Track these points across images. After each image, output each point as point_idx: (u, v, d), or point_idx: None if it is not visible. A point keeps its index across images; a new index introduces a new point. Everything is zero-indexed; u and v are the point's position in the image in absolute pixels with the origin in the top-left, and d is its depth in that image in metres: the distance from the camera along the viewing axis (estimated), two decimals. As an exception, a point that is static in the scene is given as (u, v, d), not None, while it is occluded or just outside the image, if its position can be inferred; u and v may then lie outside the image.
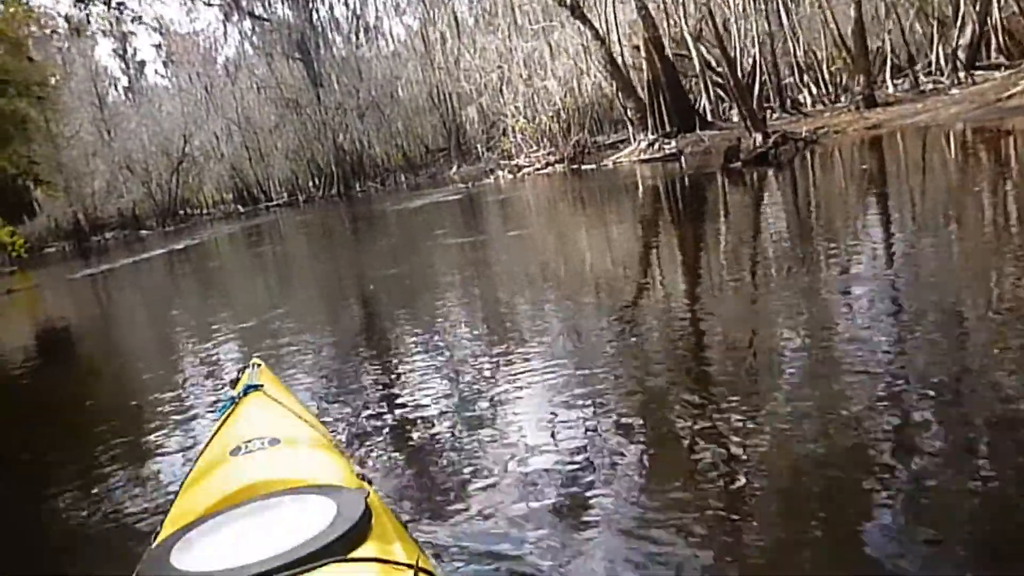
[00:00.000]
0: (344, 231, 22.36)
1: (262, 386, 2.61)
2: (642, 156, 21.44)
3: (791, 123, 19.63)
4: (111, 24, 70.11)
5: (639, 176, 18.91)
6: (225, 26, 51.54)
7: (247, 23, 51.13)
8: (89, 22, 32.47)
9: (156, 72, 65.99)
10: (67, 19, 31.46)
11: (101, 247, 47.30)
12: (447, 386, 4.59)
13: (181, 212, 57.75)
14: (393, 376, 5.13)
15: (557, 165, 25.78)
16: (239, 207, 56.90)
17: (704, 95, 24.05)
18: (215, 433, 2.40)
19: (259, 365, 2.86)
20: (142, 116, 60.18)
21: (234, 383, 2.83)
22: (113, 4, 26.79)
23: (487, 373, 4.66)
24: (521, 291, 7.21)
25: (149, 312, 12.37)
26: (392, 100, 51.02)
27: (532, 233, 13.05)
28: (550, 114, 26.54)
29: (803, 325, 4.58)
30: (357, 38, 51.33)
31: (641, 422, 3.48)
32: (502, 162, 30.06)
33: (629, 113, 23.39)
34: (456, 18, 42.73)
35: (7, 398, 6.84)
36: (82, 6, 27.34)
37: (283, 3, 50.92)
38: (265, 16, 50.57)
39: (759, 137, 15.34)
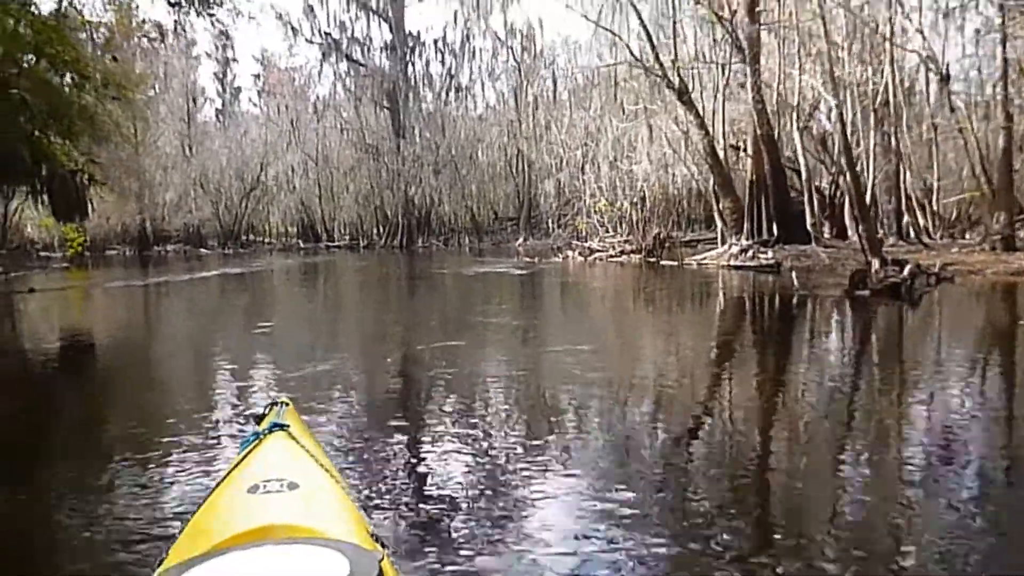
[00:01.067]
0: (399, 286, 20.46)
1: (288, 426, 2.50)
2: (732, 261, 18.79)
3: (911, 253, 16.86)
4: (216, 48, 71.82)
5: (728, 284, 16.27)
6: (322, 65, 50.81)
7: (343, 65, 50.35)
8: (183, 30, 31.50)
9: (249, 100, 65.82)
10: (159, 26, 30.23)
11: (160, 258, 46.82)
12: (475, 466, 4.18)
13: (244, 237, 57.09)
14: (421, 443, 4.77)
15: (633, 255, 23.26)
16: (300, 242, 55.93)
17: (808, 207, 21.46)
18: (234, 466, 2.26)
19: (287, 404, 2.76)
20: (227, 139, 60.17)
21: (259, 419, 2.78)
22: (204, 12, 25.58)
23: (519, 463, 4.21)
24: (572, 388, 6.24)
25: (185, 334, 11.50)
26: (470, 161, 49.45)
27: (596, 327, 10.75)
28: (633, 200, 24.12)
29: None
30: (447, 96, 50.08)
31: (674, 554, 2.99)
32: (574, 242, 27.67)
33: (723, 212, 20.83)
34: (554, 88, 41.02)
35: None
36: (175, 10, 26.10)
37: (381, 52, 50.17)
38: (362, 61, 49.72)
39: (886, 265, 12.63)
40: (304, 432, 2.68)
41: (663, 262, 21.93)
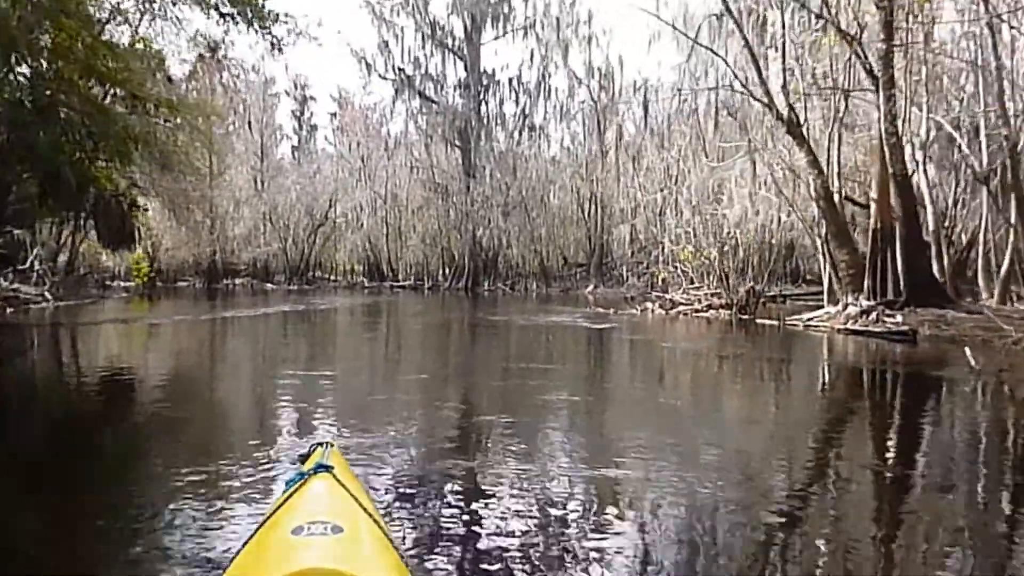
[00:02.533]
0: (463, 333, 18.14)
1: (332, 468, 2.48)
2: (850, 325, 15.28)
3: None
4: (294, 86, 71.36)
5: (853, 355, 12.83)
6: (394, 102, 48.87)
7: (416, 102, 48.31)
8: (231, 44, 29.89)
9: (325, 138, 65.01)
10: (209, 43, 28.52)
11: (227, 291, 45.78)
12: (527, 529, 3.71)
13: (311, 274, 55.93)
14: (472, 499, 4.23)
15: (722, 311, 19.87)
16: (365, 280, 54.29)
17: (937, 262, 17.87)
18: (279, 506, 2.26)
19: (331, 445, 2.78)
20: (299, 175, 59.52)
21: (303, 459, 2.77)
22: (259, 27, 23.64)
23: (580, 531, 3.69)
24: (650, 468, 4.79)
25: (242, 372, 10.80)
26: (541, 204, 46.64)
27: (700, 414, 7.63)
28: (723, 248, 20.76)
29: None
30: (519, 136, 47.51)
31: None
32: (651, 293, 24.40)
33: (838, 266, 17.28)
34: (622, 131, 38.02)
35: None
36: (223, 22, 24.17)
37: (455, 90, 48.02)
38: (434, 99, 47.65)
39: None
40: (348, 475, 2.65)
41: (759, 320, 18.52)
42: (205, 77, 58.86)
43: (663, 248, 28.98)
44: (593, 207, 45.05)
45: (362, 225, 54.31)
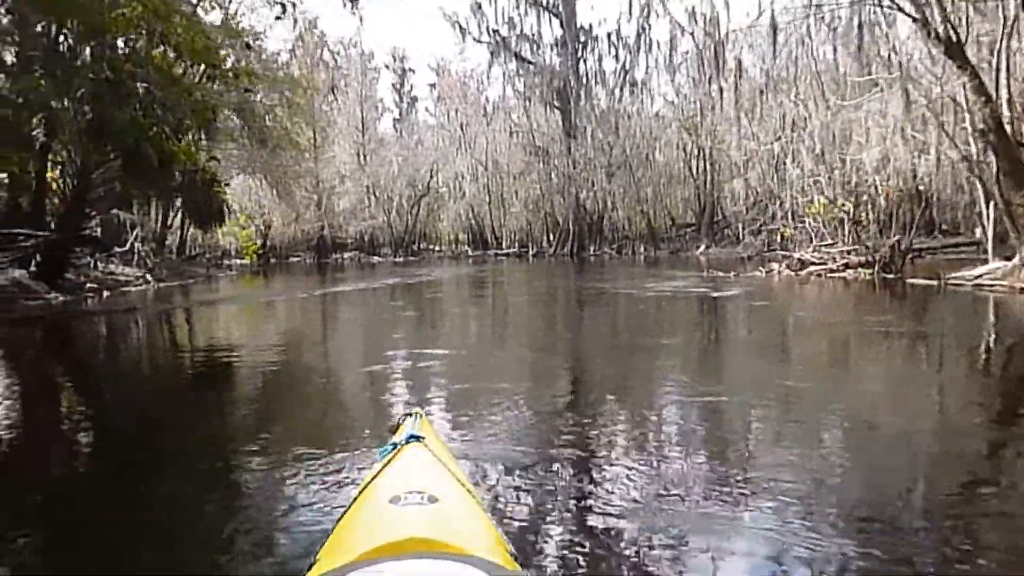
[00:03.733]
0: (568, 303, 16.12)
1: (423, 438, 2.49)
2: (1034, 284, 12.36)
3: None
4: (393, 59, 70.38)
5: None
6: (490, 66, 46.70)
7: (512, 65, 45.98)
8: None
9: (426, 109, 63.73)
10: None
11: (336, 265, 45.51)
12: (643, 512, 3.31)
13: (415, 245, 55.12)
14: (568, 481, 3.84)
15: (862, 270, 17.00)
16: (469, 249, 52.97)
17: None
18: (374, 476, 2.26)
19: (421, 415, 2.80)
20: (400, 147, 58.75)
21: (393, 429, 2.80)
22: None
23: (681, 527, 3.15)
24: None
25: (348, 346, 10.31)
26: (646, 162, 43.70)
27: (854, 403, 5.64)
28: (864, 198, 17.77)
29: None
30: (620, 92, 44.53)
31: None
32: (780, 253, 21.54)
33: (1014, 213, 14.12)
34: (740, 72, 34.64)
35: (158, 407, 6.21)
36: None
37: (551, 49, 45.42)
38: (531, 59, 45.22)
39: None
40: (439, 444, 2.66)
41: (909, 280, 15.61)
42: (306, 56, 59.05)
43: (781, 202, 25.97)
44: (701, 163, 41.87)
45: (464, 194, 52.82)
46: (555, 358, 8.46)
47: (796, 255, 19.42)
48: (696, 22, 39.53)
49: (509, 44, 44.83)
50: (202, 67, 20.70)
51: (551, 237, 48.01)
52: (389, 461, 2.34)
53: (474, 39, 45.14)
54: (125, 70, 16.81)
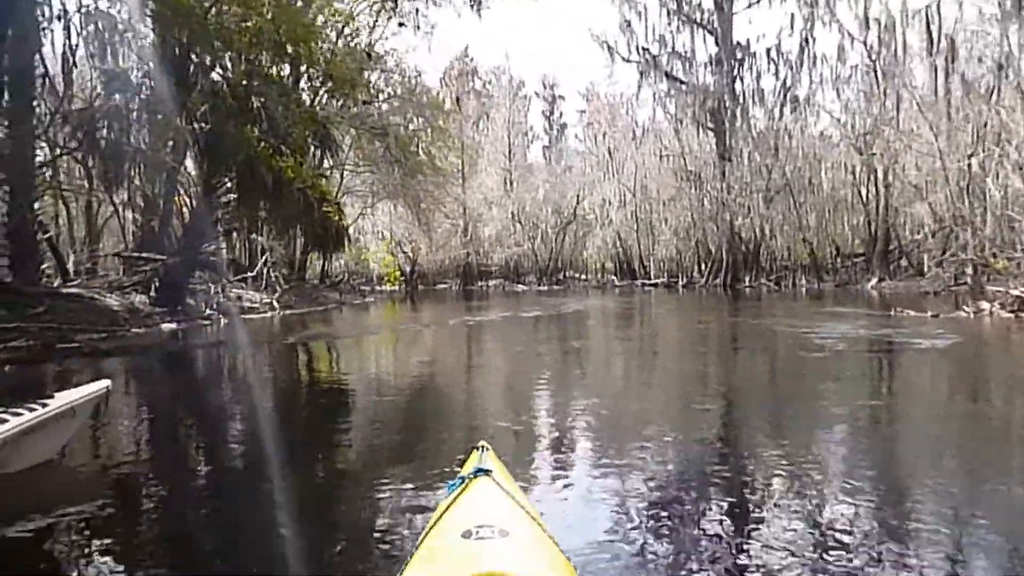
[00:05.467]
0: (726, 345, 13.56)
1: (491, 471, 2.50)
2: None
3: None
4: (543, 87, 69.55)
5: None
6: (639, 87, 44.20)
7: (663, 85, 43.34)
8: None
9: (575, 136, 62.33)
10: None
11: (481, 293, 44.78)
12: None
13: (560, 274, 53.58)
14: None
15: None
16: (615, 279, 50.76)
17: None
18: (445, 510, 2.31)
19: (487, 448, 2.77)
20: (548, 173, 57.73)
21: (462, 463, 2.83)
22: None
23: None
24: None
25: (478, 377, 9.82)
26: (809, 186, 39.75)
27: None
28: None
29: None
30: (781, 111, 40.84)
31: None
32: (983, 287, 17.84)
33: None
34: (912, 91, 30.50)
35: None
36: None
37: (705, 67, 42.46)
38: (683, 79, 42.46)
39: None
40: (506, 477, 2.62)
41: None
42: (456, 83, 59.17)
43: (976, 229, 22.03)
44: (873, 185, 37.49)
45: (610, 221, 50.56)
46: (708, 422, 6.24)
47: (1014, 291, 15.71)
48: (867, 28, 35.44)
49: (660, 63, 42.23)
50: (319, 81, 19.85)
51: (702, 267, 44.78)
52: (459, 494, 2.34)
53: (623, 59, 42.88)
54: (242, 85, 15.90)
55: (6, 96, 14.66)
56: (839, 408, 7.01)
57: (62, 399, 4.95)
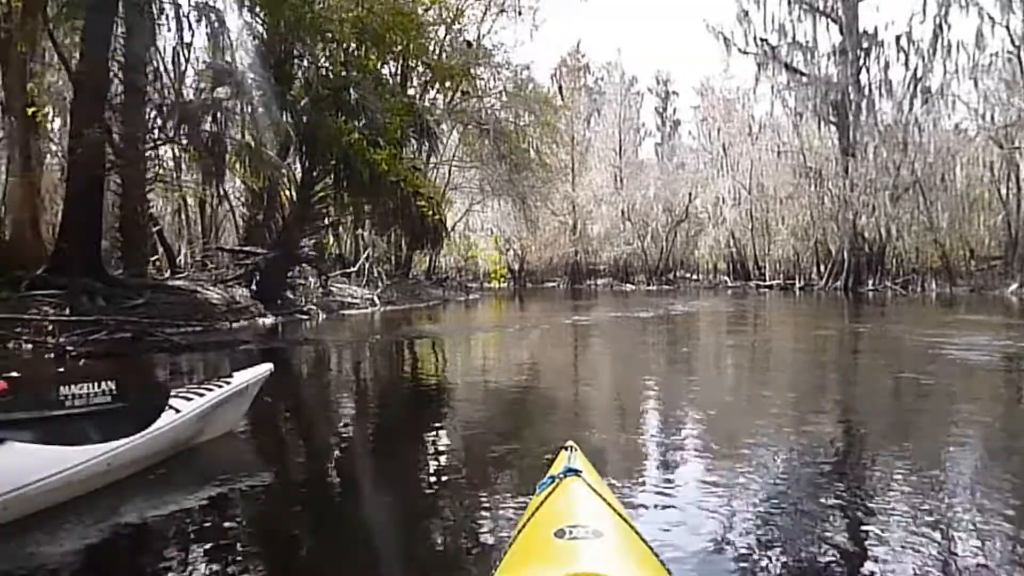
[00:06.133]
0: (845, 357, 12.30)
1: (581, 472, 2.50)
2: None
3: None
4: (656, 82, 68.15)
5: None
6: (757, 80, 42.42)
7: (782, 77, 41.44)
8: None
9: (689, 133, 60.72)
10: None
11: (589, 292, 44.40)
12: None
13: (670, 274, 52.46)
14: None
15: None
16: (727, 279, 49.24)
17: None
18: (536, 509, 2.32)
19: (575, 449, 2.77)
20: (660, 170, 56.68)
21: (549, 463, 2.79)
22: None
23: None
24: None
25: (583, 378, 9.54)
26: (940, 184, 37.16)
27: None
28: None
29: None
30: (911, 104, 38.29)
31: None
32: None
33: None
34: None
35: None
36: None
37: (828, 58, 40.32)
38: (803, 71, 40.48)
39: None
40: (596, 477, 2.61)
41: None
42: (568, 79, 58.70)
43: None
44: (1014, 183, 34.65)
45: (724, 219, 48.87)
46: (824, 443, 5.69)
47: None
48: (1011, 10, 32.70)
49: (779, 54, 40.35)
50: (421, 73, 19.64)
51: (821, 268, 42.62)
52: (549, 494, 2.34)
53: (740, 50, 41.24)
54: (340, 76, 15.85)
55: (119, 89, 15.11)
56: (976, 433, 6.14)
57: (239, 378, 5.56)
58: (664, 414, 7.25)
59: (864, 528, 3.80)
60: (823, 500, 4.27)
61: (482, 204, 42.18)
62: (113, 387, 4.38)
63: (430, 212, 17.61)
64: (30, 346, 11.01)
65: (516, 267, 53.95)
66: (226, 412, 5.40)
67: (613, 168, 55.54)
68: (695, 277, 54.51)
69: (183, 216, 24.64)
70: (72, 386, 4.29)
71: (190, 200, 23.05)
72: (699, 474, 4.84)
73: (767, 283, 44.52)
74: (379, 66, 16.58)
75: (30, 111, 15.49)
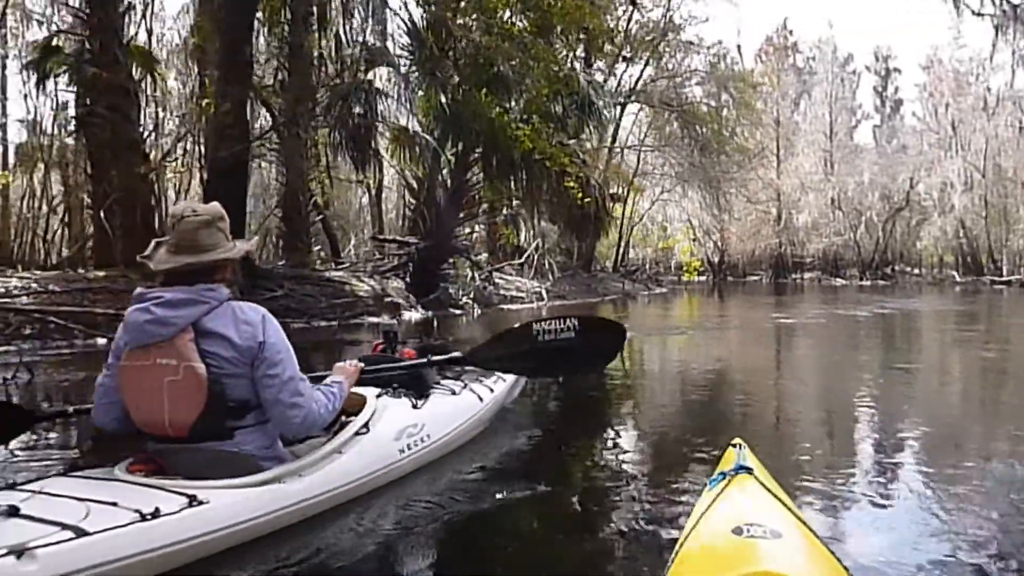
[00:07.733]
0: None
1: (752, 469, 2.40)
2: None
3: None
4: (875, 59, 62.30)
5: None
6: (994, 47, 37.21)
7: (1025, 42, 36.11)
8: None
9: (912, 113, 54.96)
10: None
11: (795, 287, 41.33)
12: None
13: (887, 268, 47.74)
14: None
15: None
16: (956, 274, 44.08)
17: None
18: (708, 506, 2.23)
19: (744, 446, 2.67)
20: (877, 154, 51.69)
21: (718, 459, 2.79)
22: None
23: None
24: None
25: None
26: None
27: None
28: None
29: None
30: None
31: None
32: None
33: None
34: None
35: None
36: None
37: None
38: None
39: None
40: (767, 476, 2.56)
41: None
42: (774, 58, 55.02)
43: None
44: None
45: (952, 206, 43.76)
46: None
47: None
48: None
49: (1021, 15, 35.08)
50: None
51: (1073, 261, 36.90)
52: (721, 491, 2.30)
53: (973, 12, 36.22)
54: (488, 48, 14.79)
55: (285, 76, 15.01)
56: None
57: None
58: (864, 424, 6.04)
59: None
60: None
61: (676, 192, 40.31)
62: (576, 323, 4.39)
63: (579, 195, 16.27)
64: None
65: (715, 259, 51.31)
66: (511, 394, 5.44)
67: (823, 152, 51.42)
68: (916, 271, 49.98)
69: (356, 206, 25.07)
70: (543, 323, 4.42)
71: (359, 189, 23.33)
72: (902, 486, 3.94)
73: (1004, 279, 39.25)
74: (524, 31, 15.30)
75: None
